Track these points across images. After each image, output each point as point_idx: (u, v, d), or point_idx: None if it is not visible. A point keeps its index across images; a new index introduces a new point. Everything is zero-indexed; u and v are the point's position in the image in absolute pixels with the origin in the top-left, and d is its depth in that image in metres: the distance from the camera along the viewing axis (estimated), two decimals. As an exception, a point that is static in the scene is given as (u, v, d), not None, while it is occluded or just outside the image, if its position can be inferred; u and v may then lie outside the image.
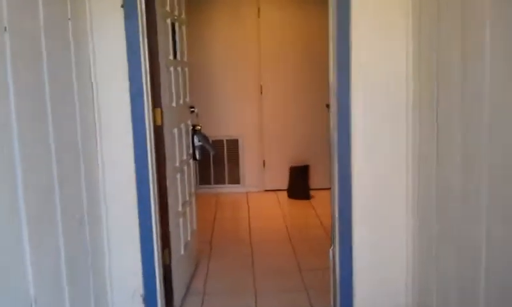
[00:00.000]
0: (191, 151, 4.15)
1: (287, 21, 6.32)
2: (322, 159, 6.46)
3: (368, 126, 2.89)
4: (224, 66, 6.34)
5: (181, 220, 3.69)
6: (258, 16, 6.29)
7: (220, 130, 6.42)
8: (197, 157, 4.26)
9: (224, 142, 6.50)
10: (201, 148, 4.28)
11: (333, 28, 2.89)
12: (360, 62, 2.82)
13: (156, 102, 3.15)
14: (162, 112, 3.22)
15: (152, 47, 3.02)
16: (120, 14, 2.79)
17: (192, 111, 4.25)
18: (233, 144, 6.51)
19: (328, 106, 3.15)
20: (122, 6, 2.79)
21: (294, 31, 6.32)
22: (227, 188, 6.59)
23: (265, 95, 6.41)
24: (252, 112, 6.45)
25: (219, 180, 6.59)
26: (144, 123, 2.92)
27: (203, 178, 6.53)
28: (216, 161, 6.51)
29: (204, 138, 4.27)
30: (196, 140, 4.22)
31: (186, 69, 4.07)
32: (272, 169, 6.57)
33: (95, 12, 2.78)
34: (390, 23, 2.81)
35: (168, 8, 3.46)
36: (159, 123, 3.21)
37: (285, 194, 6.43)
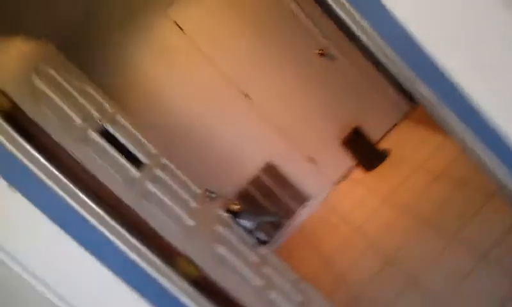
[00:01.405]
0: (252, 241, 2.89)
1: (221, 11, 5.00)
2: (362, 103, 5.25)
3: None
4: (196, 107, 5.02)
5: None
6: (184, 32, 4.93)
7: (245, 168, 5.11)
8: (264, 238, 2.99)
9: (262, 175, 5.16)
10: (260, 225, 3.01)
11: None
12: None
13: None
14: (189, 260, 1.97)
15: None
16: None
17: (213, 196, 2.99)
18: (271, 170, 5.18)
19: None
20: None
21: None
22: (301, 216, 5.28)
23: (256, 98, 5.11)
24: (255, 125, 5.13)
25: (286, 215, 5.27)
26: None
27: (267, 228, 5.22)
28: (269, 200, 5.18)
29: (253, 214, 3.00)
30: (247, 224, 2.94)
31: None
32: (324, 157, 5.26)
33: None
34: None
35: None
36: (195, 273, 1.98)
37: (358, 171, 5.14)
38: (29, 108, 1.84)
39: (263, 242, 2.97)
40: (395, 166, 4.67)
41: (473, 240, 3.09)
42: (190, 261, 2.01)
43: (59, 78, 2.45)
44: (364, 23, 1.83)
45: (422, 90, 1.91)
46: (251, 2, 5.02)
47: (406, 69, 1.90)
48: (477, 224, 3.19)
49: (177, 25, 4.93)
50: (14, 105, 1.79)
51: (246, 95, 5.10)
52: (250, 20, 5.04)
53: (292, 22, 5.06)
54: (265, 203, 4.84)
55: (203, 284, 2.00)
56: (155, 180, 2.42)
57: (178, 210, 2.35)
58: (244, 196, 4.99)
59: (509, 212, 2.79)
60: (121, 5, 4.76)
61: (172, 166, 2.82)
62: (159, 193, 2.31)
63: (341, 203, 4.95)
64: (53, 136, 1.80)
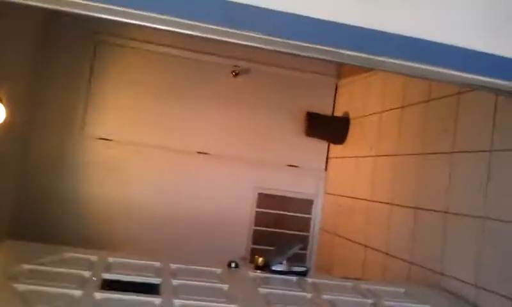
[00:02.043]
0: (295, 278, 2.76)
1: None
2: (297, 91, 5.23)
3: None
4: (168, 195, 4.87)
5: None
6: (112, 140, 4.82)
7: (242, 216, 4.99)
8: (303, 268, 2.87)
9: (260, 209, 5.05)
10: (290, 259, 2.89)
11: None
12: None
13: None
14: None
15: None
16: None
17: (236, 266, 2.84)
18: (265, 198, 5.07)
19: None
20: None
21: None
22: (315, 222, 5.18)
23: (211, 150, 5.01)
24: (224, 172, 5.03)
25: (303, 229, 5.17)
26: None
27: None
28: (281, 225, 5.07)
29: (279, 254, 2.87)
30: (280, 267, 2.82)
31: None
32: (300, 156, 5.21)
33: None
34: None
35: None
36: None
37: (335, 149, 5.09)
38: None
39: (304, 273, 2.84)
40: (359, 123, 4.65)
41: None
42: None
43: (35, 268, 2.27)
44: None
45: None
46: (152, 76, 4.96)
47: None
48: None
49: (103, 138, 4.80)
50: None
51: (201, 153, 4.98)
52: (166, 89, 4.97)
53: (188, 65, 5.00)
54: (280, 231, 4.74)
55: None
56: (177, 291, 2.27)
57: (215, 304, 2.20)
58: (259, 239, 4.87)
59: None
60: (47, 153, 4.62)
61: (182, 265, 2.66)
62: (190, 302, 2.15)
63: (340, 184, 4.89)
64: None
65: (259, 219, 5.01)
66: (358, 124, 4.71)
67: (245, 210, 5.01)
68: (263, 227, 5.00)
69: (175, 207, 4.82)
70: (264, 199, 5.03)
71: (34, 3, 1.80)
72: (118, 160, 4.82)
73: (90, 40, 4.79)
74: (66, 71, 4.75)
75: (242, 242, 4.87)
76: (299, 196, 5.15)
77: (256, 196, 5.04)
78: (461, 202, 3.04)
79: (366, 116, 4.55)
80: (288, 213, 5.10)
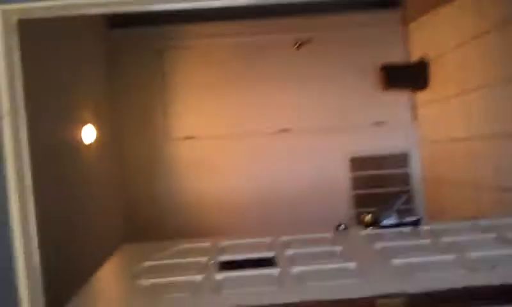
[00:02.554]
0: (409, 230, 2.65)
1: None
2: (366, 46, 5.03)
3: None
4: (264, 174, 4.92)
5: None
6: (196, 138, 4.95)
7: (339, 182, 4.92)
8: (414, 219, 2.76)
9: (356, 173, 4.95)
10: (399, 212, 2.79)
11: None
12: None
13: None
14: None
15: None
16: None
17: (344, 228, 2.79)
18: (358, 161, 4.96)
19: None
20: None
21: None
22: (415, 173, 4.99)
23: (292, 127, 4.97)
24: (310, 145, 4.98)
25: (404, 183, 4.98)
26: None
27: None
28: (381, 186, 4.92)
29: (386, 209, 2.78)
30: (390, 221, 2.72)
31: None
32: (385, 112, 5.02)
33: None
34: None
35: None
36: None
37: (419, 95, 4.85)
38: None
39: (417, 222, 2.73)
40: (441, 63, 4.36)
41: None
42: (389, 297, 1.80)
43: (155, 263, 2.37)
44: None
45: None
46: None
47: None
48: None
49: (187, 138, 4.95)
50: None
51: (283, 130, 4.96)
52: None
53: (251, 50, 4.98)
54: (380, 191, 4.62)
55: (416, 304, 1.78)
56: (293, 260, 2.26)
57: (333, 265, 2.17)
58: (361, 203, 4.77)
59: None
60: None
61: (292, 237, 2.66)
62: (307, 268, 2.14)
63: (434, 130, 4.64)
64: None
65: (356, 184, 4.90)
66: (438, 64, 4.44)
67: (340, 177, 4.92)
68: (362, 190, 4.88)
69: (269, 189, 4.85)
70: (358, 163, 4.92)
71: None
72: (205, 155, 4.96)
73: (156, 48, 4.94)
74: (140, 82, 4.93)
75: (343, 210, 4.78)
76: (393, 152, 4.96)
77: (348, 161, 4.93)
78: None
79: (445, 53, 4.27)
80: (384, 172, 4.94)
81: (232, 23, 4.94)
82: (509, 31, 3.30)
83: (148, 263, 2.40)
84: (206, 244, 2.66)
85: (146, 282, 2.13)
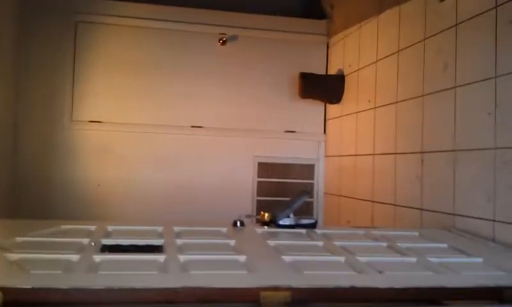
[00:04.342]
0: (304, 232, 2.64)
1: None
2: (287, 51, 5.11)
3: None
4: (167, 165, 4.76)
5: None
6: (102, 122, 4.69)
7: (244, 182, 4.87)
8: (311, 221, 2.75)
9: (262, 177, 4.94)
10: (297, 214, 2.78)
11: None
12: None
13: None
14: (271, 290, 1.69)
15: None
16: None
17: (242, 224, 2.72)
18: (265, 167, 4.95)
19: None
20: None
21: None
22: (318, 181, 5.07)
23: (205, 123, 4.87)
24: (220, 143, 4.92)
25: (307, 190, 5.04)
26: None
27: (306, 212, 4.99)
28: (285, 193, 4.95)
29: (285, 208, 2.76)
30: (287, 221, 2.70)
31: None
32: (297, 119, 5.08)
33: None
34: None
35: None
36: (285, 295, 1.71)
37: (332, 108, 4.95)
38: (22, 280, 1.55)
39: (313, 225, 2.73)
40: (356, 77, 4.51)
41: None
42: (273, 289, 1.74)
43: (30, 239, 2.15)
44: None
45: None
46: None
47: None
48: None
49: (93, 121, 4.67)
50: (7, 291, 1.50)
51: (195, 126, 4.85)
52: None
53: (173, 38, 4.86)
54: (283, 199, 4.67)
55: (300, 299, 1.74)
56: (182, 249, 2.14)
57: (223, 256, 2.09)
58: (265, 207, 4.74)
59: None
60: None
61: (186, 228, 2.54)
62: (196, 257, 2.03)
63: (340, 146, 4.76)
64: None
65: (261, 189, 4.90)
66: (353, 79, 4.58)
67: (246, 180, 4.89)
68: (265, 196, 4.88)
69: (174, 183, 4.71)
70: (265, 168, 4.92)
71: None
72: (111, 142, 4.71)
73: (69, 21, 4.63)
74: (48, 56, 4.60)
75: (246, 212, 4.74)
76: (300, 162, 5.03)
77: (256, 165, 4.92)
78: (470, 137, 2.92)
79: (361, 68, 4.41)
80: (289, 181, 4.98)
81: (155, 6, 4.78)
82: (419, 50, 3.46)
83: (21, 239, 2.17)
84: (92, 227, 2.46)
85: (14, 256, 1.91)
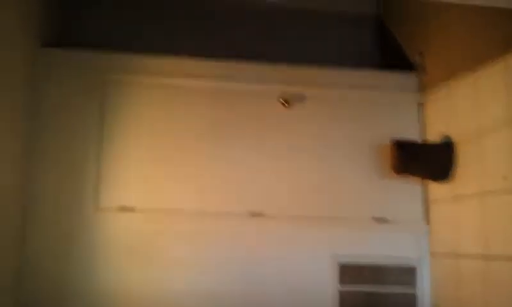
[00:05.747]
0: None
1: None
2: (371, 114, 3.92)
3: None
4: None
5: None
6: (134, 210, 3.58)
7: (323, 287, 3.53)
8: None
9: (344, 287, 3.58)
10: None
11: None
12: None
13: None
14: None
15: None
16: None
17: None
18: (348, 270, 3.61)
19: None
20: None
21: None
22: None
23: (268, 211, 3.66)
24: (286, 235, 3.65)
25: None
26: None
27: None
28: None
29: None
30: None
31: None
32: (389, 204, 3.77)
33: None
34: None
35: None
36: None
37: (435, 189, 3.62)
38: None
39: None
40: (474, 145, 3.19)
41: None
42: None
43: None
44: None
45: None
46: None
47: None
48: None
49: (124, 208, 3.59)
50: None
51: (254, 214, 3.65)
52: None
53: (223, 100, 3.80)
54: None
55: None
56: None
57: None
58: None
59: None
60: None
61: None
62: None
63: (455, 240, 3.37)
64: None
65: (345, 301, 3.53)
66: (471, 148, 3.27)
67: (323, 288, 3.55)
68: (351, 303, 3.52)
69: (227, 293, 3.45)
70: (348, 272, 3.57)
71: None
72: (147, 235, 3.57)
73: (97, 79, 3.70)
74: (67, 121, 3.64)
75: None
76: (396, 262, 3.66)
77: (336, 267, 3.59)
78: None
79: (483, 133, 3.11)
80: (383, 291, 3.60)
81: (198, 60, 3.80)
82: None
83: None
84: None
85: None
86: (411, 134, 3.82)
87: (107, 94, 3.69)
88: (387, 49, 4.56)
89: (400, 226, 3.74)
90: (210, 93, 3.77)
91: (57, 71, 3.65)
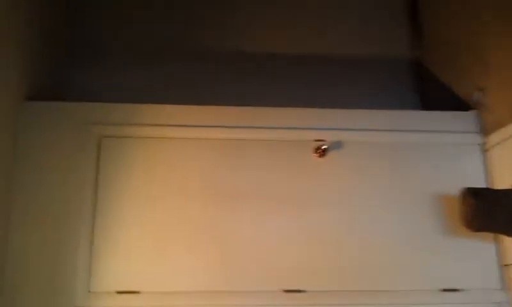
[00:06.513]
0: None
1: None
2: (432, 158, 3.25)
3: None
4: None
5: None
6: (139, 293, 2.81)
7: None
8: None
9: None
10: None
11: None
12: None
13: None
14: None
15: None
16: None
17: None
18: None
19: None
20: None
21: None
22: None
23: (308, 287, 2.90)
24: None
25: None
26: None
27: None
28: None
29: None
30: None
31: None
32: (461, 269, 3.01)
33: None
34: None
35: None
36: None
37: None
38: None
39: None
40: None
41: None
42: None
43: None
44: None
45: None
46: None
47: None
48: None
49: (124, 292, 2.84)
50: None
51: (289, 291, 2.87)
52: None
53: (245, 151, 3.14)
54: None
55: None
56: None
57: None
58: None
59: None
60: None
61: None
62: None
63: None
64: None
65: None
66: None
67: None
68: None
69: None
70: None
71: None
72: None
73: (90, 134, 3.05)
74: (55, 183, 2.96)
75: None
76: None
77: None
78: None
79: None
80: None
81: (213, 108, 3.18)
82: None
83: None
84: None
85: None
86: (475, 183, 3.13)
87: (104, 151, 3.05)
88: (428, 90, 3.98)
89: (473, 295, 2.95)
90: (226, 144, 3.12)
91: (41, 125, 3.03)
